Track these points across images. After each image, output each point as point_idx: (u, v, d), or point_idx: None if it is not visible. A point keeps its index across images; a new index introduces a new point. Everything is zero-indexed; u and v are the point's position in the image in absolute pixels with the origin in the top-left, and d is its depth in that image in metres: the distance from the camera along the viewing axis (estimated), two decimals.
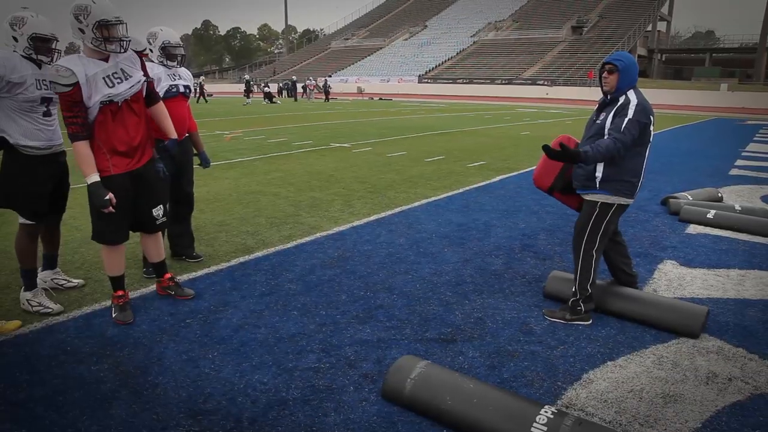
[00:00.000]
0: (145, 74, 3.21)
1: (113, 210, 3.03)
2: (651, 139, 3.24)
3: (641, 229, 5.48)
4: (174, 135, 3.43)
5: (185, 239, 4.32)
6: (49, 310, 3.38)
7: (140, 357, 2.88)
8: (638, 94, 3.17)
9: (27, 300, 3.43)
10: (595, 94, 36.16)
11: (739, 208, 5.92)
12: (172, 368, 2.77)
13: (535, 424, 2.11)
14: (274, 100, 33.00)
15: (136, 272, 4.04)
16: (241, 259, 4.38)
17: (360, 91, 45.56)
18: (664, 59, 58.36)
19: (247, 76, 34.11)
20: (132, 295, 3.59)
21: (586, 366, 2.84)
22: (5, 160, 3.29)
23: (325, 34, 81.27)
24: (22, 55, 3.14)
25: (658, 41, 57.21)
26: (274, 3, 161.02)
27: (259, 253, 4.53)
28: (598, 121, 3.29)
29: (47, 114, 3.31)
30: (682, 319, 3.19)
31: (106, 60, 3.01)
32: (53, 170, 3.39)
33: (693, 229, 5.54)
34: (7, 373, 2.72)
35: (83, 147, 2.97)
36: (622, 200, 3.23)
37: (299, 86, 36.27)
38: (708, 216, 5.65)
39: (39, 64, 3.20)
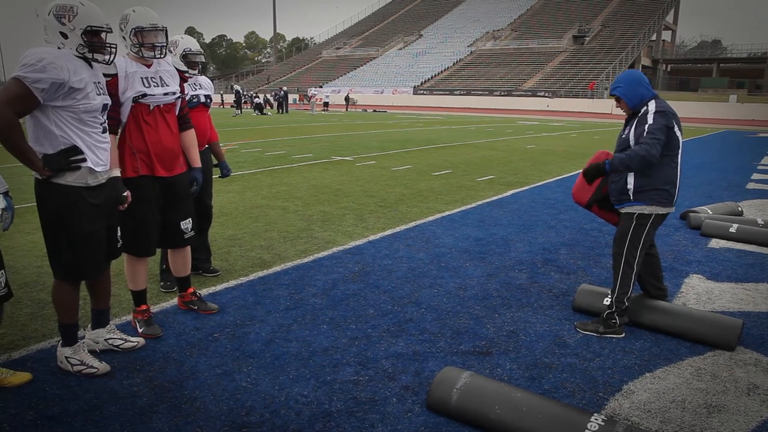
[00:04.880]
0: (182, 91, 3.46)
1: (123, 208, 3.06)
2: (680, 146, 3.44)
3: (663, 244, 5.66)
4: (198, 164, 3.64)
5: (202, 253, 4.44)
6: (94, 371, 2.92)
7: (173, 371, 2.99)
8: (659, 102, 3.38)
9: (66, 357, 2.96)
10: (598, 106, 36.55)
11: (762, 222, 6.13)
12: (208, 382, 2.88)
13: None
14: (264, 111, 33.28)
15: (153, 287, 4.16)
16: (260, 274, 4.50)
17: (352, 102, 43.39)
18: (669, 70, 59.47)
19: (237, 87, 34.29)
20: (153, 310, 3.69)
21: (625, 377, 2.99)
22: (46, 202, 2.77)
23: (315, 43, 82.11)
24: (76, 55, 2.71)
25: (663, 51, 58.36)
26: (261, 10, 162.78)
27: (277, 268, 4.65)
28: (623, 135, 3.51)
29: (104, 130, 2.88)
30: (718, 332, 3.35)
31: (149, 66, 3.28)
32: (105, 202, 2.91)
33: (716, 243, 5.74)
34: (37, 388, 2.82)
35: (110, 140, 3.04)
36: (659, 210, 3.40)
37: (291, 97, 36.59)
38: (730, 230, 5.85)
39: (90, 64, 2.80)
